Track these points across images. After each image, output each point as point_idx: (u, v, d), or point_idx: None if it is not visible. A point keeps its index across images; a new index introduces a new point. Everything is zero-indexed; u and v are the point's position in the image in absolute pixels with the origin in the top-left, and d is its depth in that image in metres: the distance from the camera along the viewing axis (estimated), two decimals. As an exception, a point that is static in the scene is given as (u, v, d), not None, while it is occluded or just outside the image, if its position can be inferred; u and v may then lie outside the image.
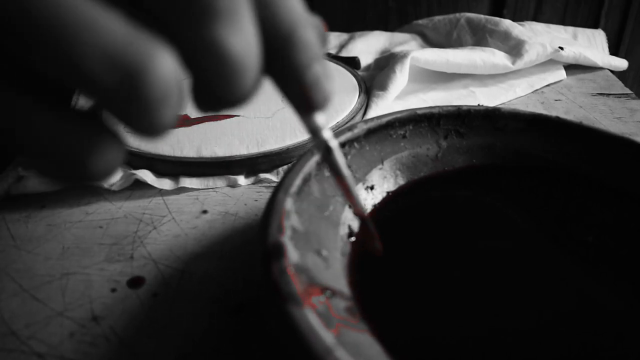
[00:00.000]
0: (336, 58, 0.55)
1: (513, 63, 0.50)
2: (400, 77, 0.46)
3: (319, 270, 0.21)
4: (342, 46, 0.62)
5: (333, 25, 0.72)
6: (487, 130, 0.33)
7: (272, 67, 0.14)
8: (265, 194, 0.35)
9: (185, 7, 0.11)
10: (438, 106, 0.32)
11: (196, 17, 0.12)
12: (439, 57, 0.49)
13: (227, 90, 0.13)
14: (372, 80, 0.49)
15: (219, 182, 0.36)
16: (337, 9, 0.79)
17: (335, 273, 0.22)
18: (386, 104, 0.45)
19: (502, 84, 0.51)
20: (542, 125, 0.32)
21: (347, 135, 0.28)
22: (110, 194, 0.35)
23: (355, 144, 0.29)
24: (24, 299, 0.26)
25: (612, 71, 0.56)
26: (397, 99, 0.47)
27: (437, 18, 0.63)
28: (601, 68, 0.56)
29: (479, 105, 0.33)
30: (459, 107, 0.32)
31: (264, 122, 0.41)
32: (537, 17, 0.78)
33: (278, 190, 0.23)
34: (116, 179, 0.35)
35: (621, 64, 0.55)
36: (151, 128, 0.12)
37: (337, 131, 0.28)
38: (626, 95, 0.51)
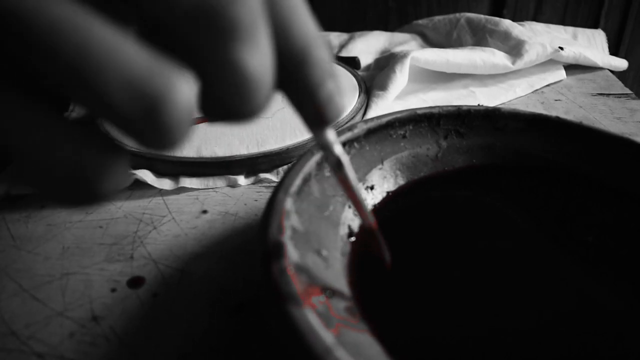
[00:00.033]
0: (336, 58, 0.55)
1: (513, 63, 0.50)
2: (400, 77, 0.46)
3: (319, 270, 0.21)
4: (342, 46, 0.62)
5: (333, 25, 0.72)
6: (487, 130, 0.33)
7: (285, 83, 0.15)
8: (265, 194, 0.35)
9: (206, 28, 0.11)
10: (438, 106, 0.32)
11: (216, 38, 0.12)
12: (439, 57, 0.49)
13: (239, 104, 0.13)
14: (372, 80, 0.49)
15: (219, 182, 0.36)
16: (337, 9, 0.79)
17: (335, 273, 0.22)
18: (386, 104, 0.45)
19: (502, 84, 0.51)
20: (542, 125, 0.32)
21: (347, 135, 0.28)
22: (110, 194, 0.35)
23: (355, 144, 0.29)
24: (24, 299, 0.26)
25: (612, 71, 0.56)
26: (397, 99, 0.47)
27: (437, 18, 0.63)
28: (601, 68, 0.56)
29: (479, 105, 0.33)
30: (459, 107, 0.32)
31: (264, 122, 0.41)
32: (537, 17, 0.78)
33: (278, 190, 0.23)
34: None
35: (621, 64, 0.55)
36: (162, 146, 0.12)
37: (337, 131, 0.28)
38: (626, 95, 0.51)
